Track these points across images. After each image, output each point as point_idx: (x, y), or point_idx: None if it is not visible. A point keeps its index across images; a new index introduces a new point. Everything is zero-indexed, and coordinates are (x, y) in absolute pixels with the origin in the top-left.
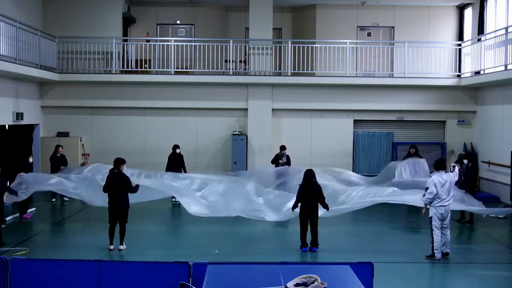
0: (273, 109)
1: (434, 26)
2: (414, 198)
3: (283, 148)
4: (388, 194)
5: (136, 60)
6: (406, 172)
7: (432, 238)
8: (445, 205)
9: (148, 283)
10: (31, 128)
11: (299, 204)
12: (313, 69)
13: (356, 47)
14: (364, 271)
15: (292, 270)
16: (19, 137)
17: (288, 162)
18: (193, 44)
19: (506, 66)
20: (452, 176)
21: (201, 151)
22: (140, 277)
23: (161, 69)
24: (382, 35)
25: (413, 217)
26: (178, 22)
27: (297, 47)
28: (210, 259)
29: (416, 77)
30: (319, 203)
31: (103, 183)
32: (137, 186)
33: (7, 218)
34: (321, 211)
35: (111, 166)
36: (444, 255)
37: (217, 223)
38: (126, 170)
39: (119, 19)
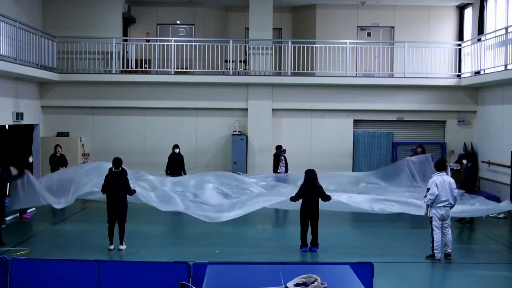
0: (273, 109)
1: (434, 26)
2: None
3: (280, 147)
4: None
5: (136, 60)
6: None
7: (432, 238)
8: (446, 206)
9: (148, 283)
10: (31, 128)
11: (300, 204)
12: (313, 69)
13: (356, 47)
14: (364, 271)
15: (292, 270)
16: (19, 137)
17: (286, 163)
18: (193, 44)
19: (506, 66)
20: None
21: (201, 151)
22: (140, 277)
23: (161, 69)
24: (382, 35)
25: (413, 217)
26: (178, 22)
27: (297, 47)
28: (210, 259)
29: (416, 77)
30: (321, 200)
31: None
32: (134, 191)
33: (7, 218)
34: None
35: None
36: (447, 255)
37: (217, 223)
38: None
39: (119, 19)
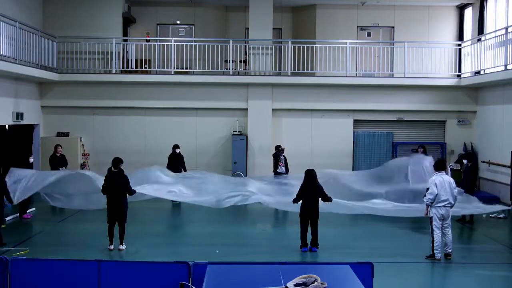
0: (273, 109)
1: (434, 26)
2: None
3: (278, 147)
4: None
5: (136, 60)
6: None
7: (433, 238)
8: (446, 206)
9: (148, 283)
10: (31, 128)
11: (300, 204)
12: (313, 69)
13: (356, 47)
14: (364, 271)
15: (292, 270)
16: (19, 137)
17: (286, 163)
18: (193, 44)
19: (506, 66)
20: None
21: (201, 151)
22: (140, 277)
23: (161, 69)
24: (382, 35)
25: (413, 217)
26: (178, 22)
27: (297, 47)
28: (210, 259)
29: (416, 77)
30: (321, 200)
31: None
32: (134, 191)
33: (7, 218)
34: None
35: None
36: (447, 255)
37: (217, 223)
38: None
39: (119, 19)
